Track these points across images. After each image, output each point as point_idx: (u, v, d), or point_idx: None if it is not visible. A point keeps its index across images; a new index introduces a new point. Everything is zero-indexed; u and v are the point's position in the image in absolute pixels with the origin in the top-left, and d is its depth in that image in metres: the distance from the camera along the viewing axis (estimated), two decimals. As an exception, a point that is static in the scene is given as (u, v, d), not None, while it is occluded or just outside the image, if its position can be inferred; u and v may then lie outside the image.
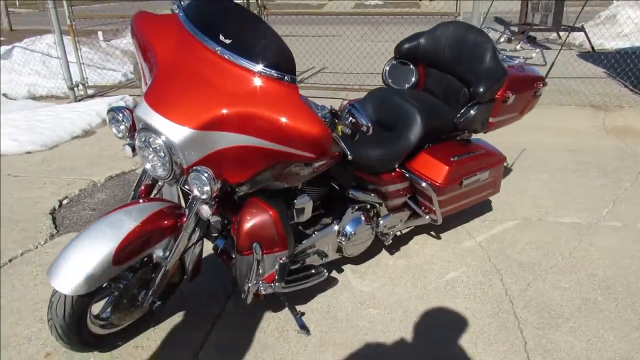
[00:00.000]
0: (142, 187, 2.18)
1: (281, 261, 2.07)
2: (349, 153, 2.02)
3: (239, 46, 1.82)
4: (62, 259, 1.84)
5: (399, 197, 2.68)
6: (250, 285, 2.06)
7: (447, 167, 2.58)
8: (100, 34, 9.83)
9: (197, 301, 2.53)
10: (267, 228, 1.99)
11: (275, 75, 1.78)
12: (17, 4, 20.90)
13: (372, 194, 2.58)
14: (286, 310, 2.44)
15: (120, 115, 1.98)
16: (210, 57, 1.82)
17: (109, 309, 2.09)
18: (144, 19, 2.03)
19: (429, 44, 2.89)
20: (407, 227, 2.90)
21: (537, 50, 2.92)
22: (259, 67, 1.77)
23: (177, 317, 2.42)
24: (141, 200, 2.08)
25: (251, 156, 1.84)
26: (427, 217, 2.78)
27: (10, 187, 3.82)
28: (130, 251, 1.89)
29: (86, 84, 6.44)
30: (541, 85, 2.92)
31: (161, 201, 2.11)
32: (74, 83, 6.26)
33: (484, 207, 3.45)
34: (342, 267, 2.82)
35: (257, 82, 1.77)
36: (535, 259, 2.88)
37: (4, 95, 6.23)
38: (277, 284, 2.10)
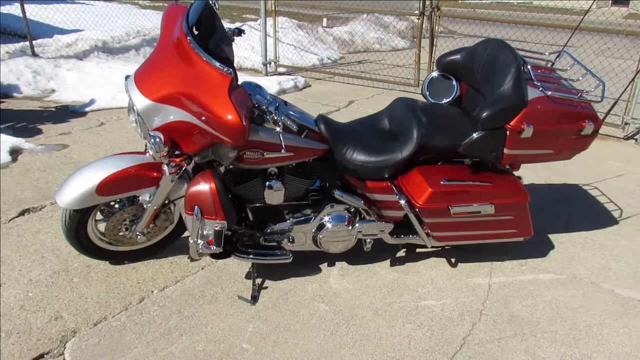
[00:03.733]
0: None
1: (216, 228, 2.36)
2: (283, 147, 2.19)
3: (200, 37, 2.18)
4: (65, 182, 2.49)
5: (390, 209, 2.63)
6: (191, 242, 2.41)
7: (430, 189, 2.44)
8: (324, 20, 10.91)
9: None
10: (204, 196, 2.30)
11: (216, 64, 2.09)
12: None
13: (359, 199, 2.61)
14: (256, 280, 2.71)
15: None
16: (183, 42, 2.21)
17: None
18: (170, 10, 2.50)
19: (466, 60, 2.68)
20: (400, 241, 2.78)
21: (598, 83, 2.42)
22: (207, 56, 2.12)
23: (175, 257, 2.91)
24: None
25: (192, 131, 2.18)
26: (424, 237, 2.67)
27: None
28: (112, 187, 2.45)
29: (277, 62, 7.41)
30: (586, 123, 2.41)
31: None
32: (267, 60, 7.27)
33: (536, 249, 3.05)
34: (336, 262, 2.92)
35: (202, 67, 2.12)
36: (536, 319, 2.49)
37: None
38: (214, 247, 2.39)
